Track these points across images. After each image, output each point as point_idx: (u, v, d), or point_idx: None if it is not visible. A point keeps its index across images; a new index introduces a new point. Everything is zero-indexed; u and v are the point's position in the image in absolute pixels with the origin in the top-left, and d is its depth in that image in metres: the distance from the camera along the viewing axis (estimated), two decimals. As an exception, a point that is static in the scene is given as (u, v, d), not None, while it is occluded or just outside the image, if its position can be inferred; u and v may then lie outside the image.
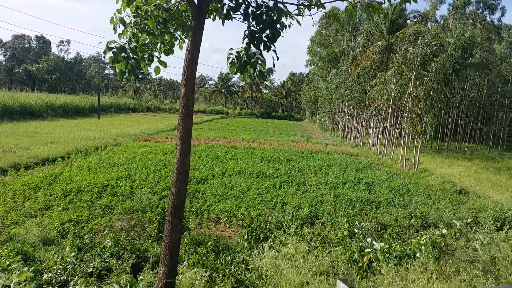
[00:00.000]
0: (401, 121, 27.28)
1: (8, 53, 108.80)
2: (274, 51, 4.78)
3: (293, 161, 22.76)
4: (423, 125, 23.46)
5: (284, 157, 23.58)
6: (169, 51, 5.43)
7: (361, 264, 6.80)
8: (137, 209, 11.69)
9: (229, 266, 5.85)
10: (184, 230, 9.34)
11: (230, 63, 4.83)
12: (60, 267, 6.67)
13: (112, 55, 4.20)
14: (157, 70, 5.19)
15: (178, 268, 6.04)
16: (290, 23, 4.99)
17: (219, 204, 13.06)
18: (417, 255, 6.55)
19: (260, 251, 7.21)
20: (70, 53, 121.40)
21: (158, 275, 4.72)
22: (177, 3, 4.92)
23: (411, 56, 24.00)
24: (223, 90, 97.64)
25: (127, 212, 11.47)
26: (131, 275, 5.90)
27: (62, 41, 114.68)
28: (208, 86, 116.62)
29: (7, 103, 39.70)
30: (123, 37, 4.57)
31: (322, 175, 19.28)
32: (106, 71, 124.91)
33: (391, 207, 13.97)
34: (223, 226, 11.45)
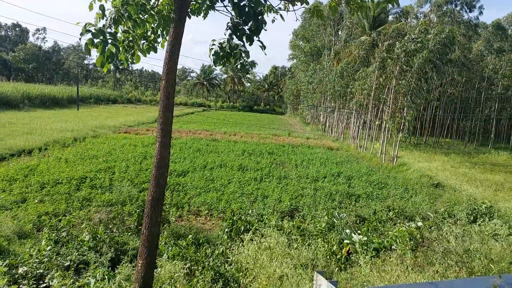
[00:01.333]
0: (381, 115, 27.67)
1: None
2: (261, 42, 4.76)
3: (274, 154, 22.84)
4: (402, 120, 23.86)
5: (265, 150, 23.64)
6: (151, 49, 5.35)
7: (339, 256, 6.91)
8: (116, 202, 11.54)
9: (208, 259, 5.85)
10: (163, 223, 9.29)
11: (213, 54, 4.78)
12: (36, 260, 6.54)
13: (90, 36, 4.08)
14: (137, 58, 5.10)
15: (157, 261, 6.01)
16: (274, 17, 4.98)
17: (200, 197, 13.03)
18: (393, 247, 6.70)
19: (240, 244, 7.23)
20: (47, 41, 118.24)
21: (137, 268, 4.68)
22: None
23: (397, 51, 24.29)
24: (205, 82, 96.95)
25: (106, 205, 11.31)
26: (110, 269, 5.83)
27: (38, 29, 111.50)
28: (190, 78, 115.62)
29: (-19, 92, 38.47)
30: (100, 22, 4.46)
31: (303, 168, 19.42)
32: (86, 61, 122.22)
33: (370, 200, 14.21)
34: (204, 218, 11.44)
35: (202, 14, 5.07)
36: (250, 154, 22.20)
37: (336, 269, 6.39)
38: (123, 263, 6.21)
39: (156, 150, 4.62)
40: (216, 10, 4.80)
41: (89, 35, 4.15)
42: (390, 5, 43.99)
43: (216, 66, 4.78)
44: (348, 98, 34.05)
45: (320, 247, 6.91)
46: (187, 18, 4.54)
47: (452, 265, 5.67)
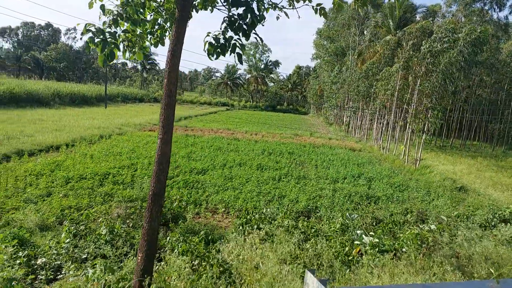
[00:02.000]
0: (405, 117, 27.17)
1: (16, 40, 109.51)
2: (257, 34, 4.79)
3: (294, 154, 22.82)
4: (426, 121, 23.36)
5: (285, 150, 23.65)
6: (158, 42, 5.49)
7: (351, 257, 6.90)
8: (136, 198, 11.83)
9: (217, 255, 5.98)
10: (179, 219, 9.49)
11: (208, 45, 4.83)
12: (55, 252, 6.83)
13: (91, 35, 4.24)
14: (138, 56, 5.24)
15: (166, 256, 6.19)
16: (278, 15, 5.02)
17: (217, 194, 13.20)
18: (404, 249, 6.63)
19: (252, 243, 7.32)
20: (77, 41, 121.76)
21: (137, 261, 4.85)
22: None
23: (423, 50, 23.79)
24: (229, 82, 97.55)
25: (127, 201, 11.61)
26: (120, 262, 6.05)
27: (69, 29, 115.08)
28: (214, 78, 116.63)
29: (14, 90, 40.01)
30: (102, 20, 4.62)
31: (323, 169, 19.33)
32: (114, 61, 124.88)
33: (389, 202, 14.02)
34: (221, 216, 11.60)
35: (209, 8, 5.15)
36: (270, 153, 22.27)
37: (345, 269, 6.38)
38: (129, 256, 6.42)
39: (157, 146, 4.76)
40: (217, 8, 4.87)
41: (90, 34, 4.31)
42: (416, 3, 43.18)
43: (210, 59, 4.84)
44: (371, 98, 33.60)
45: (326, 248, 6.91)
46: (193, 14, 4.64)
47: (448, 270, 5.57)
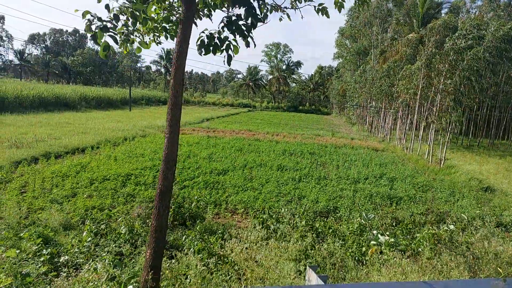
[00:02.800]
0: (428, 116, 26.57)
1: (44, 46, 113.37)
2: (251, 37, 4.80)
3: (315, 155, 22.70)
4: (451, 120, 22.79)
5: (306, 150, 23.55)
6: (175, 35, 5.47)
7: (367, 258, 6.83)
8: (157, 198, 12.04)
9: (231, 255, 6.05)
10: (197, 218, 9.62)
11: (200, 42, 4.85)
12: (77, 250, 7.07)
13: (88, 23, 4.34)
14: (137, 50, 5.34)
15: (179, 254, 6.30)
16: (281, 16, 5.04)
17: (237, 195, 13.29)
18: (420, 249, 6.52)
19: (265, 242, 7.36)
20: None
21: (145, 257, 4.96)
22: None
23: (447, 47, 23.24)
24: (251, 83, 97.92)
25: (148, 201, 11.85)
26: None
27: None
28: (236, 80, 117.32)
29: (43, 94, 41.44)
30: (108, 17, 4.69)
31: (344, 169, 19.15)
32: (138, 64, 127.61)
33: (411, 203, 13.77)
34: (240, 216, 11.68)
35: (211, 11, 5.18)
36: (290, 154, 22.24)
37: (353, 268, 6.33)
38: (141, 253, 6.58)
39: (164, 145, 4.86)
40: (223, 10, 4.93)
41: (92, 25, 4.40)
42: (440, 0, 42.30)
43: (201, 55, 4.87)
44: (394, 97, 33.04)
45: (339, 247, 6.87)
46: (197, 21, 4.71)
47: (460, 269, 5.45)
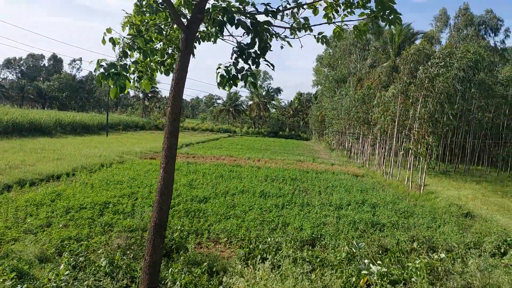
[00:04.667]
0: (406, 142, 27.10)
1: (19, 71, 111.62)
2: (267, 61, 4.85)
3: (297, 180, 22.63)
4: (428, 146, 23.26)
5: (288, 176, 23.48)
6: (169, 70, 5.53)
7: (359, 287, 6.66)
8: (137, 227, 11.61)
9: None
10: (181, 249, 9.27)
11: (220, 77, 4.88)
12: (54, 285, 6.62)
13: (102, 71, 4.26)
14: (147, 87, 5.27)
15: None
16: (282, 44, 5.07)
17: (220, 223, 12.95)
18: (413, 279, 6.40)
19: (253, 273, 7.10)
20: (81, 71, 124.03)
21: None
22: (171, 25, 5.03)
23: (421, 76, 23.98)
24: (231, 109, 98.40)
25: (127, 230, 11.40)
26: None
27: (74, 59, 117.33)
28: (216, 105, 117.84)
29: (17, 119, 40.27)
30: (116, 55, 4.67)
31: (327, 195, 19.11)
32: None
33: (395, 229, 13.73)
34: (223, 246, 11.33)
35: (212, 40, 5.21)
36: (273, 180, 22.09)
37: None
38: None
39: (160, 175, 4.67)
40: (223, 39, 4.93)
41: (102, 70, 4.33)
42: (413, 30, 44.13)
43: (222, 89, 4.86)
44: (372, 124, 33.68)
45: (335, 278, 6.68)
46: (196, 44, 4.67)
47: None
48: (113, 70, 4.23)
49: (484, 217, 16.83)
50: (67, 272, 7.15)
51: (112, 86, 4.33)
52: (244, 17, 4.63)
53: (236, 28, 4.60)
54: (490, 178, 33.56)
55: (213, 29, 4.81)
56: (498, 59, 41.64)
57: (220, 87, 4.86)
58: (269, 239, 9.95)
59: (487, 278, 6.00)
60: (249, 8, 4.85)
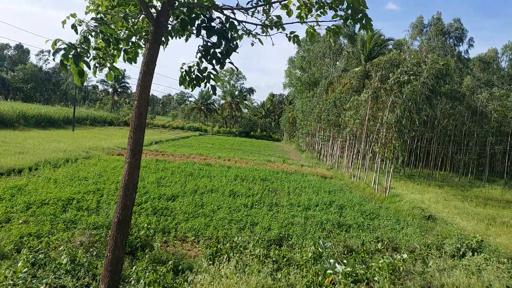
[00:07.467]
0: (373, 146, 27.76)
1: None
2: (232, 63, 4.77)
3: (267, 181, 22.72)
4: (394, 150, 23.91)
5: (258, 176, 23.53)
6: (132, 59, 5.37)
7: (324, 287, 6.74)
8: (102, 225, 11.31)
9: (185, 285, 5.69)
10: (146, 247, 9.10)
11: (182, 77, 4.77)
12: (11, 282, 6.34)
13: (64, 52, 4.07)
14: (109, 76, 5.10)
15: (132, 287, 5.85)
16: (253, 41, 5.04)
17: (187, 222, 12.80)
18: (376, 278, 6.56)
19: (218, 271, 7.06)
20: (49, 63, 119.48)
21: None
22: (139, 16, 4.91)
23: (391, 82, 24.63)
24: (203, 107, 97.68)
25: (91, 228, 11.09)
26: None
27: (42, 51, 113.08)
28: (188, 103, 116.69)
29: (-23, 110, 38.46)
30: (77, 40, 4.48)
31: (295, 196, 19.27)
32: (85, 83, 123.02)
33: (360, 231, 14.03)
34: (190, 245, 11.21)
35: (184, 37, 5.11)
36: (242, 179, 22.07)
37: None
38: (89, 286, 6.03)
39: (124, 170, 4.55)
40: (194, 34, 4.85)
41: (62, 52, 4.15)
42: (383, 36, 45.33)
43: (185, 89, 4.76)
44: (341, 127, 34.29)
45: (300, 277, 6.74)
46: (169, 39, 4.58)
47: None
48: (73, 52, 4.06)
49: (445, 220, 17.46)
50: (25, 270, 6.86)
51: (70, 68, 4.15)
52: (215, 11, 4.56)
53: (197, 31, 4.53)
54: (452, 182, 34.89)
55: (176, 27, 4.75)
56: (461, 66, 43.36)
57: (181, 86, 4.77)
58: (236, 238, 9.93)
59: (446, 278, 6.24)
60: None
